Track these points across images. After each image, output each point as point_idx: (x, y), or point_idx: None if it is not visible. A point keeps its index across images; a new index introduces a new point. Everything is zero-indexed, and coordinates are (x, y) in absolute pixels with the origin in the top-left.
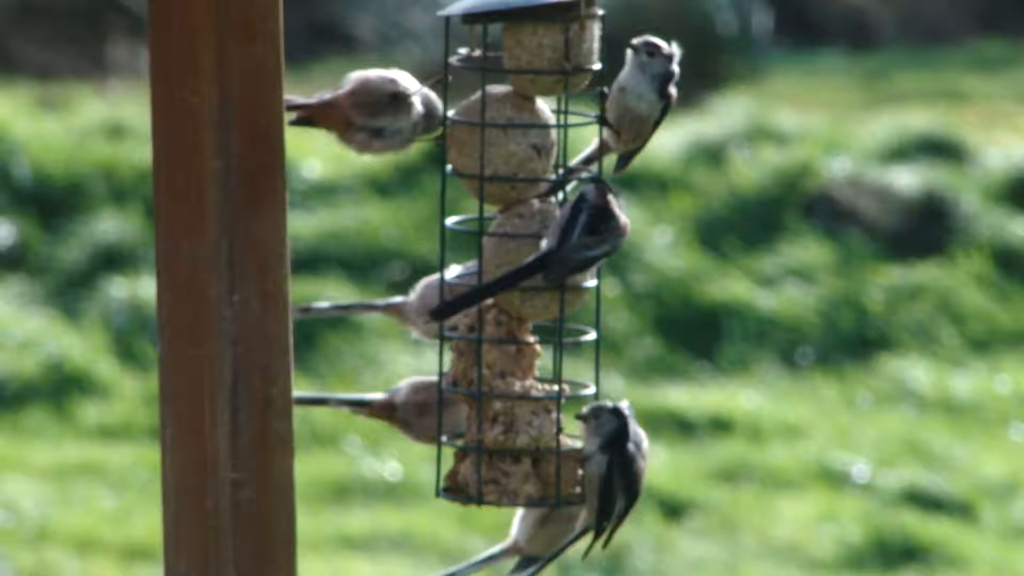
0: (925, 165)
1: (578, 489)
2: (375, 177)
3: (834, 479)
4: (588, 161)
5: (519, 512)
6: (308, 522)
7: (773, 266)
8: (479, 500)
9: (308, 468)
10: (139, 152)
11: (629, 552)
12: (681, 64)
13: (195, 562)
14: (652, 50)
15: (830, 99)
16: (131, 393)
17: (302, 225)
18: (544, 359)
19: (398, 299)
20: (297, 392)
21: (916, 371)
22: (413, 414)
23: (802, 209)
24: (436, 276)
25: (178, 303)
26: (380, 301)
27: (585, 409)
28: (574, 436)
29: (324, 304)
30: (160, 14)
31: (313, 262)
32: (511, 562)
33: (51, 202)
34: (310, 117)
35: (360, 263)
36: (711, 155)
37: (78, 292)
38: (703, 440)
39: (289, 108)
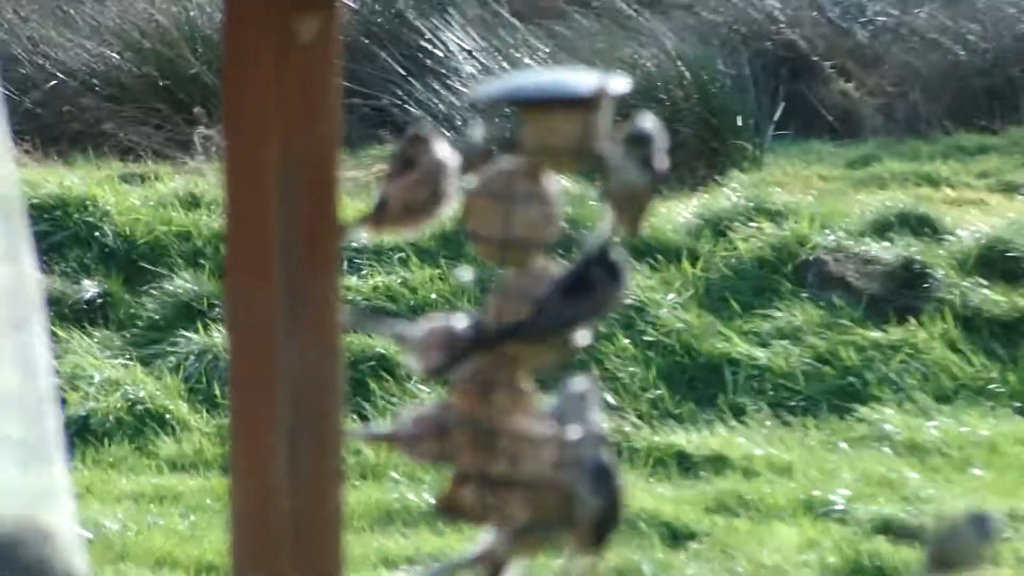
0: (903, 239)
1: (568, 514)
2: (420, 243)
3: (817, 511)
4: (601, 233)
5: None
6: (354, 544)
7: (768, 325)
8: (478, 523)
9: (358, 497)
10: (213, 220)
11: (636, 575)
12: (656, 134)
13: None
14: (630, 137)
15: (821, 181)
16: (201, 431)
17: (353, 283)
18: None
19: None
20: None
21: (891, 419)
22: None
23: (794, 276)
24: (442, 320)
25: (244, 352)
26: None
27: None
28: (568, 466)
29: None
30: (231, 94)
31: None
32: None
33: (134, 262)
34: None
35: (406, 318)
36: (716, 228)
37: (156, 341)
38: (703, 476)
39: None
